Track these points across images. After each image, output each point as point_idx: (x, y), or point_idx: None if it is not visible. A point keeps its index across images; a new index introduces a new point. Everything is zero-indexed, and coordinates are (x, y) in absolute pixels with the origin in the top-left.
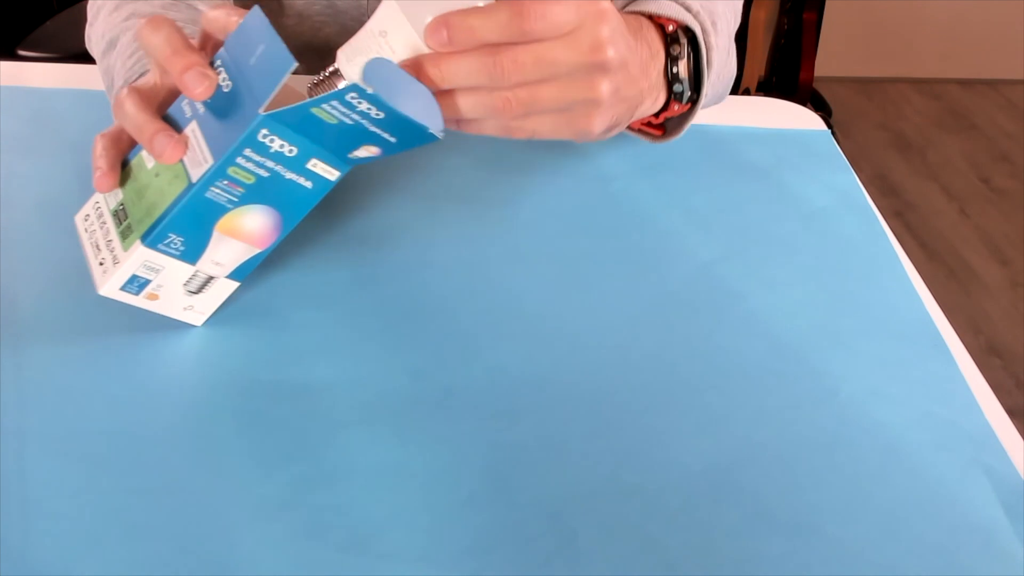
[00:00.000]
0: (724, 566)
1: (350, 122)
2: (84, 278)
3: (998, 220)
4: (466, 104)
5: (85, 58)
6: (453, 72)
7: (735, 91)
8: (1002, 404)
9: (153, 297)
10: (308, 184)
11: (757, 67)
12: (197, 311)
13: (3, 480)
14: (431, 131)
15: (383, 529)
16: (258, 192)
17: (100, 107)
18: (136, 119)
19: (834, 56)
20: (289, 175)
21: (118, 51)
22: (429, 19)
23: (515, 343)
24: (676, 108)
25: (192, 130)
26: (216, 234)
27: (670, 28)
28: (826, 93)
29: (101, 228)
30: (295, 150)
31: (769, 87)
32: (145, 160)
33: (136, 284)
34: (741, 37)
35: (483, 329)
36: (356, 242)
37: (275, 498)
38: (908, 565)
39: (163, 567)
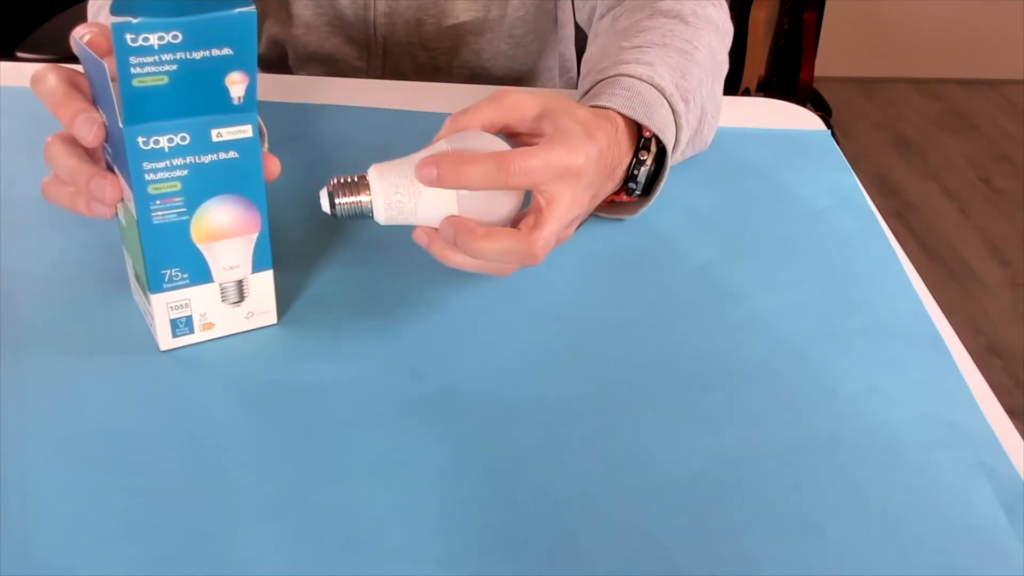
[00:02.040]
0: (724, 566)
1: (175, 66)
2: (84, 278)
3: (998, 220)
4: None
5: None
6: (494, 249)
7: (735, 91)
8: (1002, 404)
9: (209, 327)
10: (234, 154)
11: (757, 67)
12: (259, 312)
13: (3, 480)
14: (237, 9)
15: (383, 529)
16: (197, 190)
17: None
18: (67, 166)
19: (834, 56)
20: (207, 158)
21: None
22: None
23: (515, 343)
24: (624, 197)
25: (115, 168)
26: (201, 246)
27: (646, 134)
28: (826, 93)
29: (138, 294)
30: (186, 136)
31: (769, 87)
32: (119, 209)
33: (183, 326)
34: (741, 37)
35: (483, 329)
36: (356, 242)
37: (275, 498)
38: (908, 565)
39: (163, 567)
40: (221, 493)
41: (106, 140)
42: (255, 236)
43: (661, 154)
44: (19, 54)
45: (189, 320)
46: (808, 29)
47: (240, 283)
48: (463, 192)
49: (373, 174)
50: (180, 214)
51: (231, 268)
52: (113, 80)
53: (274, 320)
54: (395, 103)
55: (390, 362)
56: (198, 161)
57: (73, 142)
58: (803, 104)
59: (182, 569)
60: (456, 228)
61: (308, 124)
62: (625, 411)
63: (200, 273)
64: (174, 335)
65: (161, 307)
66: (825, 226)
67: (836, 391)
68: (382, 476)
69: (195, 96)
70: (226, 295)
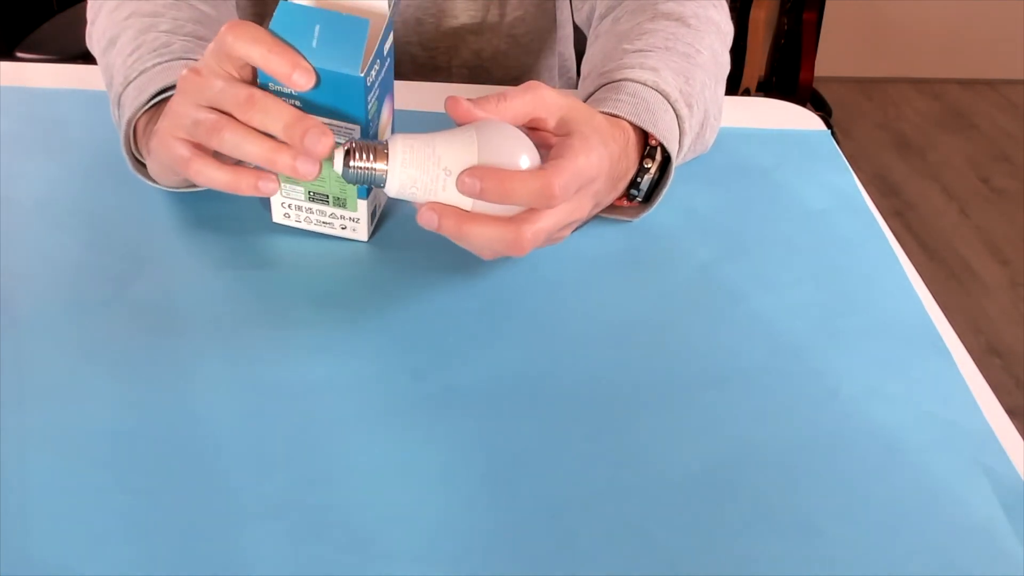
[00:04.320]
0: (724, 566)
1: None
2: (84, 278)
3: (998, 220)
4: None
5: (85, 59)
6: (476, 239)
7: (735, 91)
8: (1002, 404)
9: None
10: (388, 63)
11: (757, 67)
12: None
13: (3, 480)
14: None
15: (383, 529)
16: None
17: (100, 107)
18: (286, 116)
19: (834, 56)
20: (383, 69)
21: (118, 49)
22: (499, 150)
23: (515, 343)
24: (625, 203)
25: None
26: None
27: (652, 142)
28: (826, 93)
29: (316, 213)
30: (378, 65)
31: (769, 87)
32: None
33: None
34: (741, 37)
35: (483, 329)
36: (355, 242)
37: (275, 498)
38: (908, 565)
39: (163, 567)
40: (221, 493)
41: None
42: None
43: (665, 161)
44: (19, 54)
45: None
46: (808, 29)
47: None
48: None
49: (393, 149)
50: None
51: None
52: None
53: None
54: (395, 103)
55: (390, 362)
56: (382, 76)
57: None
58: (803, 104)
59: (182, 569)
60: (440, 213)
61: None
62: (625, 411)
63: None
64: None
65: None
66: (825, 226)
67: (836, 391)
68: (382, 476)
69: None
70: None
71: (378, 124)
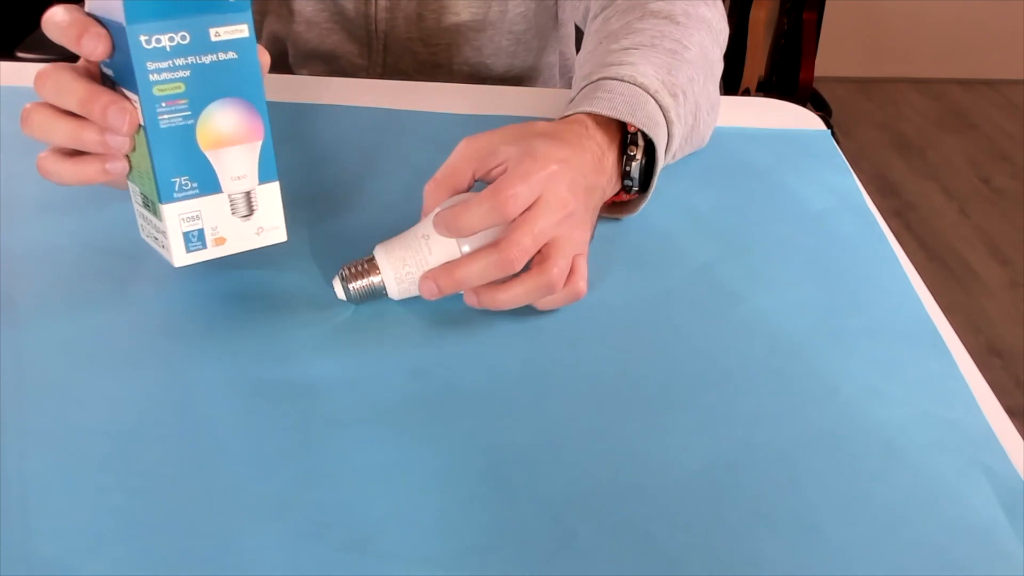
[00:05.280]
0: (724, 566)
1: None
2: (84, 278)
3: (998, 220)
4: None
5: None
6: (471, 276)
7: (735, 91)
8: (1002, 404)
9: (220, 241)
10: (232, 55)
11: (757, 67)
12: (269, 228)
13: (3, 480)
14: None
15: (383, 529)
16: (200, 92)
17: None
18: (80, 91)
19: (834, 56)
20: (206, 59)
21: None
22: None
23: (515, 343)
24: (624, 196)
25: (119, 90)
26: (209, 154)
27: (631, 130)
28: (826, 93)
29: (149, 223)
30: (186, 35)
31: (769, 87)
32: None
33: (196, 240)
34: (741, 37)
35: (483, 329)
36: (356, 241)
37: (275, 498)
38: (908, 565)
39: (163, 567)
40: (221, 493)
41: (110, 57)
42: (259, 144)
43: (652, 149)
44: (19, 54)
45: (201, 233)
46: (808, 29)
47: (248, 194)
48: (468, 247)
49: (379, 252)
50: (185, 118)
51: (239, 178)
52: None
53: (283, 237)
54: (395, 102)
55: (390, 362)
56: (199, 61)
57: (78, 71)
58: (803, 104)
59: (182, 569)
60: (433, 277)
61: (307, 124)
62: (625, 411)
63: (209, 182)
64: (188, 250)
65: (173, 219)
66: (825, 226)
67: (836, 391)
68: (382, 476)
69: None
70: (236, 207)
71: (197, 117)
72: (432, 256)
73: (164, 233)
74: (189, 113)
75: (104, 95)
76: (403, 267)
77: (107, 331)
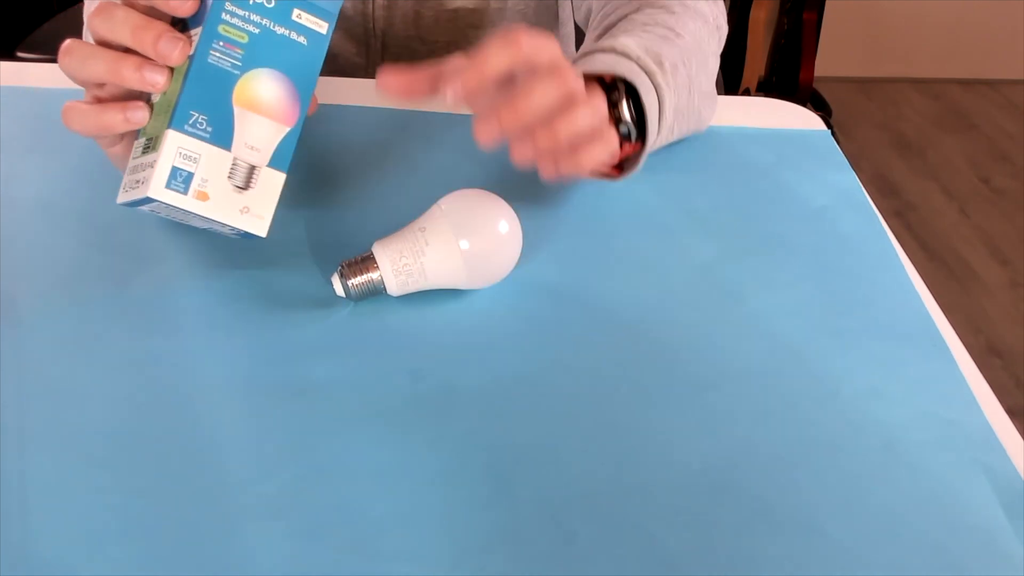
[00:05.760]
0: (724, 566)
1: None
2: (84, 278)
3: (998, 220)
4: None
5: None
6: (532, 102)
7: (735, 91)
8: (1002, 404)
9: (203, 196)
10: (302, 40)
11: (757, 67)
12: (255, 214)
13: (3, 480)
14: None
15: (383, 529)
16: (257, 53)
17: None
18: (134, 22)
19: (834, 56)
20: (279, 29)
21: None
22: (465, 227)
23: (515, 343)
24: (628, 147)
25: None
26: (237, 110)
27: (607, 79)
28: (826, 93)
29: (139, 170)
30: (273, 0)
31: (769, 87)
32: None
33: (180, 180)
34: (741, 37)
35: (483, 329)
36: (355, 241)
37: (275, 498)
38: (908, 565)
39: (163, 567)
40: (221, 493)
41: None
42: (287, 130)
43: (635, 97)
44: (19, 54)
45: (189, 178)
46: (808, 29)
47: (253, 169)
48: (465, 241)
49: (377, 247)
50: (234, 66)
51: (252, 148)
52: None
53: (263, 232)
54: (394, 102)
55: (390, 362)
56: (271, 28)
57: (133, 4)
58: (803, 104)
59: (182, 569)
60: (461, 68)
61: (307, 123)
62: (625, 411)
63: (223, 135)
64: (167, 185)
65: (171, 148)
66: (825, 226)
67: (836, 391)
68: (382, 476)
69: None
70: (235, 173)
71: (244, 72)
72: (428, 247)
73: (153, 165)
74: (240, 64)
75: (159, 25)
76: (400, 259)
77: (107, 331)
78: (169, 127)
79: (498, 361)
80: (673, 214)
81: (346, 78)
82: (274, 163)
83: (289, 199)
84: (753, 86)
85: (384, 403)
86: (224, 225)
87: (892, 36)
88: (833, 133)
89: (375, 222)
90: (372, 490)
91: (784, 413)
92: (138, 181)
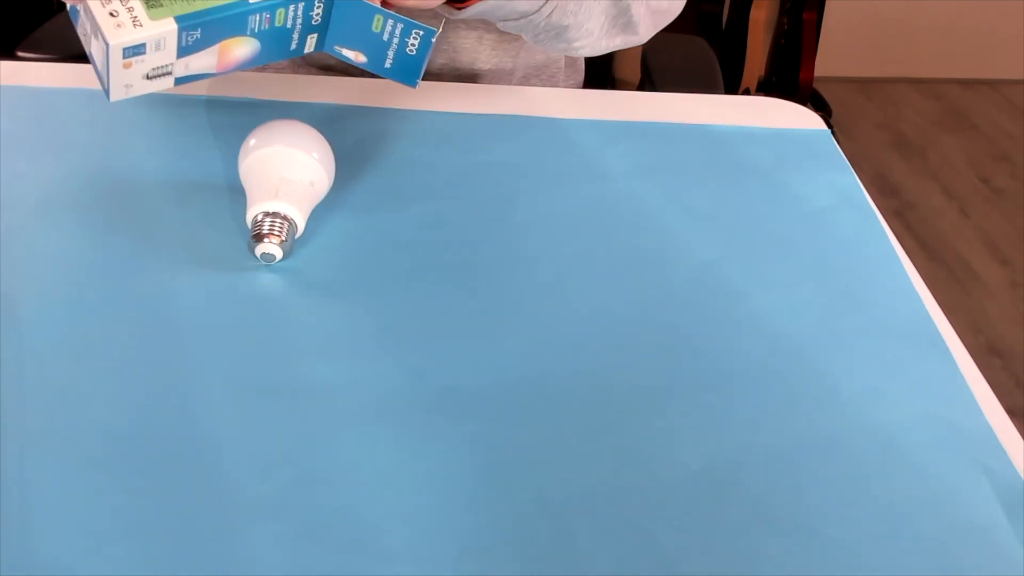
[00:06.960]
0: (724, 566)
1: None
2: (84, 278)
3: (998, 220)
4: None
5: (85, 58)
6: None
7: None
8: (1002, 404)
9: (128, 66)
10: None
11: (757, 67)
12: (131, 90)
13: (3, 480)
14: None
15: (383, 529)
16: (336, 28)
17: (100, 107)
18: None
19: (834, 56)
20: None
21: None
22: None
23: (515, 343)
24: None
25: None
26: (216, 47)
27: None
28: (826, 93)
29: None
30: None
31: (769, 87)
32: None
33: (134, 52)
34: (741, 37)
35: (483, 329)
36: (355, 241)
37: (275, 498)
38: (908, 565)
39: (163, 567)
40: (221, 493)
41: None
42: (214, 72)
43: None
44: (19, 54)
45: (140, 53)
46: (808, 29)
47: (166, 75)
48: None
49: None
50: (305, 15)
51: (187, 68)
52: None
53: (111, 100)
54: (394, 102)
55: (390, 362)
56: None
57: None
58: (803, 104)
59: (181, 569)
60: None
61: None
62: (625, 411)
63: (188, 50)
64: (126, 48)
65: (157, 32)
66: (825, 226)
67: (836, 391)
68: (382, 476)
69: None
70: (157, 69)
71: (304, 34)
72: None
73: (135, 21)
74: (305, 21)
75: None
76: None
77: (107, 331)
78: (177, 21)
79: (498, 361)
80: (673, 214)
81: (345, 77)
82: (180, 80)
83: None
84: (753, 86)
85: (384, 403)
86: (98, 33)
87: (892, 36)
88: (833, 133)
89: (375, 221)
90: (372, 490)
91: (784, 413)
92: (113, 13)
